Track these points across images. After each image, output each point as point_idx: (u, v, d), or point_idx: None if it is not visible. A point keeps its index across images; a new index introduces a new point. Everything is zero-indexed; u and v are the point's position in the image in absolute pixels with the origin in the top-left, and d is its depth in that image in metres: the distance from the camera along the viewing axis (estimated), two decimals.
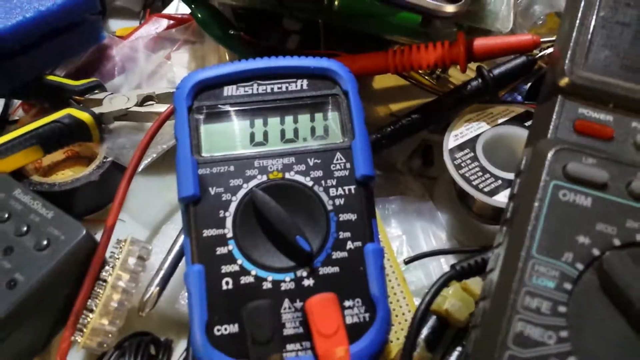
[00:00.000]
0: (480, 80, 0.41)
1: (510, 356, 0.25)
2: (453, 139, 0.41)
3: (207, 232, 0.33)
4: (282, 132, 0.35)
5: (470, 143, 0.40)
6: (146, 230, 0.44)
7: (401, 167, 0.45)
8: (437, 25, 0.46)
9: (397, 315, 0.36)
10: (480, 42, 0.40)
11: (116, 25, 0.63)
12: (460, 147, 0.40)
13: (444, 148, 0.40)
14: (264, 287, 0.31)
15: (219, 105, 0.36)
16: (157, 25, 0.59)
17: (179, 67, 0.55)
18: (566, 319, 0.25)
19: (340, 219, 0.33)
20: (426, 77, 0.49)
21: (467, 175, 0.39)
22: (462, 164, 0.39)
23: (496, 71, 0.41)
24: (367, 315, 0.31)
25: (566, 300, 0.26)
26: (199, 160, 0.34)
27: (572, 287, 0.26)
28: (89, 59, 0.56)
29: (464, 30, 0.43)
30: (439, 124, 0.44)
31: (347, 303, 0.31)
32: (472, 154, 0.40)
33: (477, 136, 0.41)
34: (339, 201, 0.33)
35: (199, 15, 0.48)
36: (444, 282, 0.34)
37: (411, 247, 0.41)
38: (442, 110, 0.42)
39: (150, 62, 0.55)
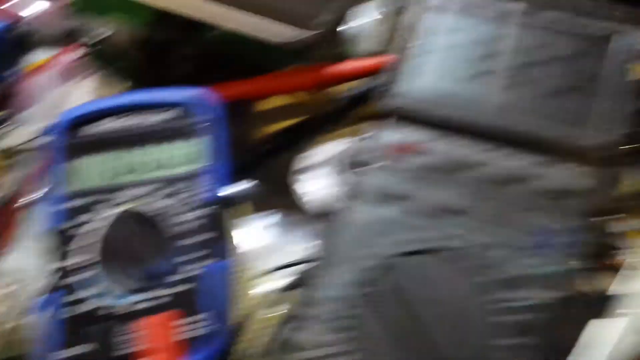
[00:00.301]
0: (340, 101, 0.45)
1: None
2: (311, 157, 0.44)
3: (69, 261, 0.36)
4: (147, 162, 0.39)
5: (328, 160, 0.43)
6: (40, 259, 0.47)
7: (275, 183, 0.48)
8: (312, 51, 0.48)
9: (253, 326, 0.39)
10: (328, 69, 0.43)
11: (36, 56, 0.65)
12: (318, 165, 0.43)
13: (299, 167, 0.43)
14: (115, 310, 0.35)
15: (90, 140, 0.39)
16: (71, 55, 0.61)
17: (88, 96, 0.58)
18: (355, 321, 0.28)
19: (192, 241, 0.36)
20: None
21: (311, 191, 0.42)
22: (318, 181, 0.42)
23: (353, 93, 0.44)
24: (207, 329, 0.34)
25: (356, 304, 0.29)
26: (66, 193, 0.37)
27: (363, 291, 0.29)
28: (4, 92, 0.59)
29: (335, 55, 0.46)
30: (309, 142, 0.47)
31: (190, 319, 0.34)
32: (329, 171, 0.43)
33: (334, 153, 0.43)
34: (192, 224, 0.36)
35: (93, 47, 0.51)
36: (285, 290, 0.37)
37: (286, 259, 0.44)
38: (307, 129, 0.46)
39: (61, 92, 0.58)
